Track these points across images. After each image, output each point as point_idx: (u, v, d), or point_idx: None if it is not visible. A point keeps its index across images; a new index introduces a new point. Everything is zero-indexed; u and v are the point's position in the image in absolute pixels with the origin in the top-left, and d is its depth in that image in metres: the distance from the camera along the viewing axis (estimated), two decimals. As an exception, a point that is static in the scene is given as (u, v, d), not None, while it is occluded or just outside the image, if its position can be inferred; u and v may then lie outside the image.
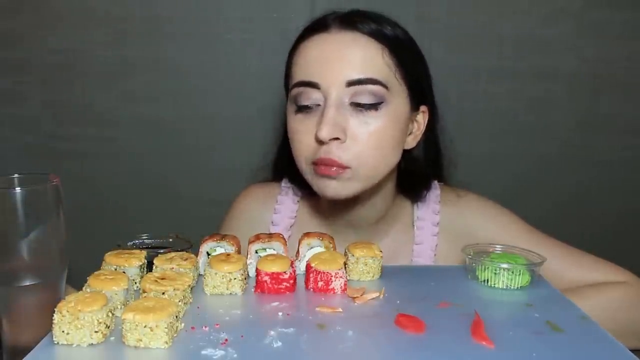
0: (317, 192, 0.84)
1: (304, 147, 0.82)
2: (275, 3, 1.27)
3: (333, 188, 0.81)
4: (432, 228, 0.92)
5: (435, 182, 0.96)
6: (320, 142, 0.79)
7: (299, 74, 0.82)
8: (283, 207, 0.97)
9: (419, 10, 1.26)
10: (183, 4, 1.27)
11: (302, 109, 0.82)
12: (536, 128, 1.35)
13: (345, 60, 0.79)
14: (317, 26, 0.83)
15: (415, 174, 0.92)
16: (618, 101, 1.34)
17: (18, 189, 0.56)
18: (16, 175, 0.61)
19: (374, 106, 0.79)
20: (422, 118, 0.88)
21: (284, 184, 1.00)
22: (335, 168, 0.79)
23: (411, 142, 0.87)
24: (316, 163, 0.80)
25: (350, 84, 0.78)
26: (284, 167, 0.98)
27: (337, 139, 0.78)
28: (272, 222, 0.97)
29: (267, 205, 0.99)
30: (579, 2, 1.29)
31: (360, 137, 0.79)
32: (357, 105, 0.79)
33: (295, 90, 0.83)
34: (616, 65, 1.32)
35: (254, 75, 1.30)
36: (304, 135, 0.82)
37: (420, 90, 0.86)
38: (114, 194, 1.35)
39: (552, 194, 1.38)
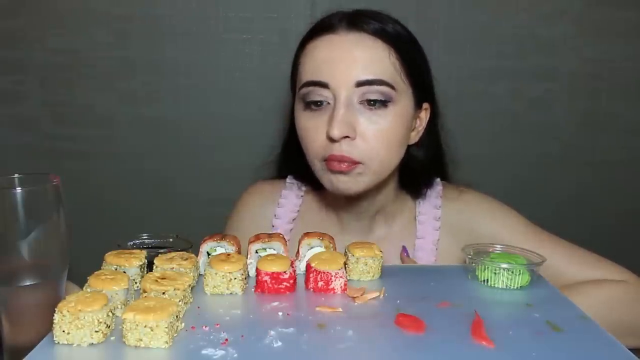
0: (328, 188, 0.86)
1: (315, 144, 0.84)
2: (275, 3, 1.28)
3: (344, 183, 0.83)
4: (434, 223, 0.93)
5: (438, 179, 0.97)
6: (331, 140, 0.81)
7: (307, 74, 0.84)
8: (287, 201, 0.99)
9: (419, 10, 1.26)
10: (183, 4, 1.27)
11: (312, 107, 0.84)
12: (536, 128, 1.35)
13: (353, 61, 0.81)
14: (324, 27, 0.85)
15: (416, 171, 0.93)
16: (618, 101, 1.34)
17: (18, 189, 0.56)
18: (16, 175, 0.61)
19: (383, 105, 0.81)
20: (424, 115, 0.90)
21: (289, 180, 1.02)
22: (346, 164, 0.81)
23: (413, 138, 0.90)
24: (328, 159, 0.82)
25: (360, 84, 0.80)
26: (288, 164, 1.00)
27: (347, 137, 0.80)
28: (275, 216, 0.99)
29: (271, 199, 1.01)
30: (580, 2, 1.29)
31: (370, 135, 0.81)
32: (366, 105, 0.81)
33: (304, 90, 0.84)
34: (616, 65, 1.32)
35: (254, 75, 1.30)
36: (314, 133, 0.84)
37: (423, 88, 0.88)
38: (114, 194, 1.35)
39: (552, 194, 1.38)
